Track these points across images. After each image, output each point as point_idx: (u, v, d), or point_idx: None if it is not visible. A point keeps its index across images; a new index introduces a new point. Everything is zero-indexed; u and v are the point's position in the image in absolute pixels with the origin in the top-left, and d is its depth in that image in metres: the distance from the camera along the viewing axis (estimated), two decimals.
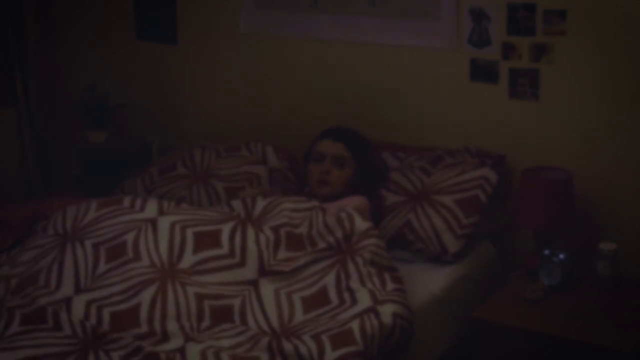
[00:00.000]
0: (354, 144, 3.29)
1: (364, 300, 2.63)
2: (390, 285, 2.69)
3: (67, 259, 2.77)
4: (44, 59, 4.55)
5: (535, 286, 2.93)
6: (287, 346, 2.42)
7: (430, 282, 2.98)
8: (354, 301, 2.65)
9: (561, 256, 2.94)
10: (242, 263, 2.73)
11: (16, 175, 4.44)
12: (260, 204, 3.00)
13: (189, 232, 2.78)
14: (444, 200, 3.15)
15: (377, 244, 2.81)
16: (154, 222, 2.82)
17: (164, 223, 2.82)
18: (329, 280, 2.72)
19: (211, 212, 2.94)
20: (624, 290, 2.95)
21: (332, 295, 2.69)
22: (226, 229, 2.80)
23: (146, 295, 2.57)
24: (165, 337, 2.48)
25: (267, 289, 2.69)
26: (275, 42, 3.80)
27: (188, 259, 2.71)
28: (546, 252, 2.97)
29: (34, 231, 3.03)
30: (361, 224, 2.85)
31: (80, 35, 4.44)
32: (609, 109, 3.08)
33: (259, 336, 2.50)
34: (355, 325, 2.49)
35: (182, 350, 2.43)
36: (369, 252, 2.77)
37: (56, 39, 4.53)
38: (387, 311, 2.58)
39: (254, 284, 2.70)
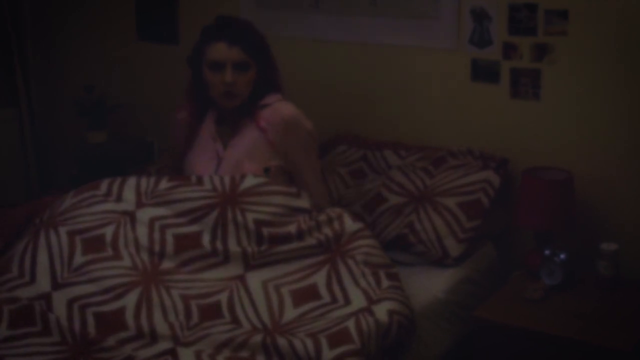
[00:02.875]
0: (249, 44, 2.93)
1: (358, 300, 2.61)
2: (385, 283, 2.67)
3: (40, 246, 2.68)
4: (45, 59, 4.55)
5: (536, 286, 2.93)
6: (282, 342, 2.39)
7: (431, 284, 2.97)
8: (347, 300, 2.62)
9: (562, 256, 2.94)
10: (225, 260, 2.68)
11: (16, 175, 4.44)
12: (251, 181, 2.83)
13: (169, 234, 2.70)
14: (447, 202, 3.14)
15: (370, 245, 2.78)
16: (132, 217, 2.73)
17: (143, 218, 2.72)
18: (319, 278, 2.68)
19: (191, 193, 2.78)
20: (624, 290, 2.95)
21: (323, 291, 2.65)
22: (207, 231, 2.71)
23: (130, 299, 2.52)
24: (154, 338, 2.44)
25: (255, 282, 2.64)
26: (276, 42, 3.78)
27: (170, 260, 2.65)
28: (547, 252, 2.96)
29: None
30: (351, 225, 2.81)
31: (81, 35, 4.44)
32: (610, 109, 3.08)
33: (252, 332, 2.48)
34: (351, 324, 2.47)
35: (173, 352, 2.41)
36: (362, 254, 2.73)
37: (57, 39, 4.53)
38: (382, 309, 2.55)
39: (240, 278, 2.65)
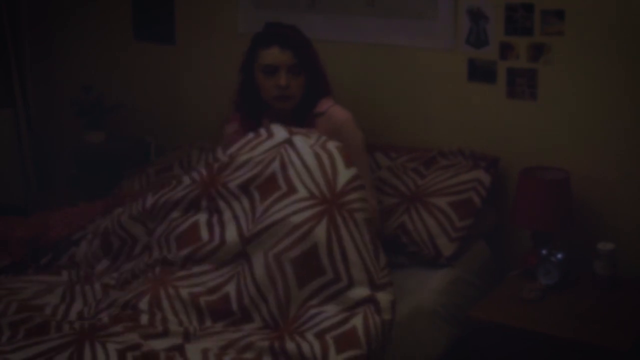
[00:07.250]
0: (300, 49, 3.02)
1: (360, 280, 2.54)
2: (382, 259, 2.66)
3: (76, 301, 2.76)
4: (42, 59, 4.55)
5: (533, 286, 2.93)
6: (290, 346, 2.40)
7: (425, 285, 2.98)
8: (350, 280, 2.54)
9: (559, 256, 2.94)
10: (222, 242, 2.70)
11: (14, 176, 4.44)
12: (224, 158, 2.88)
13: (171, 239, 2.78)
14: (438, 202, 3.14)
15: (362, 198, 2.69)
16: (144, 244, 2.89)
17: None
18: (320, 237, 2.57)
19: (178, 192, 2.87)
20: (621, 289, 2.95)
21: (325, 260, 2.55)
22: (202, 220, 2.78)
23: (142, 303, 2.59)
24: (165, 332, 2.48)
25: (257, 257, 2.60)
26: None
27: (175, 257, 2.73)
28: (544, 251, 2.96)
29: (33, 256, 3.03)
30: (344, 171, 2.70)
31: (78, 35, 4.44)
32: (606, 109, 3.08)
33: (261, 334, 2.49)
34: (359, 323, 2.45)
35: (181, 348, 2.42)
36: (360, 212, 2.65)
37: (54, 39, 4.53)
38: (386, 301, 2.54)
39: (243, 256, 2.65)
